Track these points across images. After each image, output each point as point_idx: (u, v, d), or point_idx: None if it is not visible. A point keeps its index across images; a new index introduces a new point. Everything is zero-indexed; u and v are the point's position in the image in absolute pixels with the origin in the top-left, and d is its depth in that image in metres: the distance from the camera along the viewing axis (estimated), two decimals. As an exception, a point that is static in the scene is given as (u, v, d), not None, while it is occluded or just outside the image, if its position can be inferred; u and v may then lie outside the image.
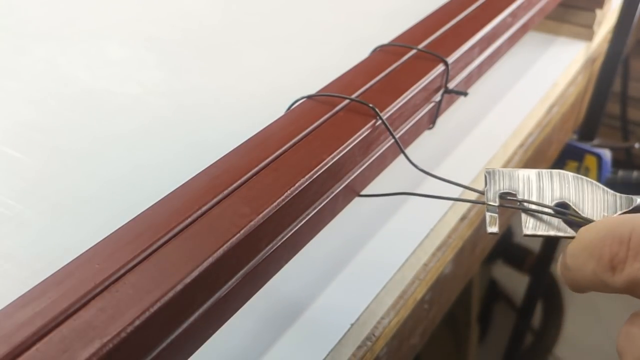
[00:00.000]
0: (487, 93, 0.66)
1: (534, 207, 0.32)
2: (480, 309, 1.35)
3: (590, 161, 0.97)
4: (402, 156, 0.45)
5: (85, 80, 0.61)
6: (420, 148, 0.54)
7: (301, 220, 0.34)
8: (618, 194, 0.31)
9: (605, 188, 0.31)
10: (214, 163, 0.35)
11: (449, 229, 0.51)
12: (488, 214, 0.33)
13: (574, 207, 0.32)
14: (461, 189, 0.51)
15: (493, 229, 0.33)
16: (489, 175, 0.34)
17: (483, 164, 0.56)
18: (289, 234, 0.34)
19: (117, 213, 0.34)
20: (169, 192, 0.33)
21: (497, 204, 0.33)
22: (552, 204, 0.32)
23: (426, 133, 0.48)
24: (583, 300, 1.49)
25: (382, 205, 0.50)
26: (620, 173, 0.98)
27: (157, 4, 0.76)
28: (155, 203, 0.32)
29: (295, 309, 0.41)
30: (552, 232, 0.32)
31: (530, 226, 0.32)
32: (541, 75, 0.71)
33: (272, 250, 0.33)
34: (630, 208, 0.30)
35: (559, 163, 0.96)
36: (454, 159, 0.56)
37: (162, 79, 0.62)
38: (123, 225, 0.30)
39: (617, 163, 1.01)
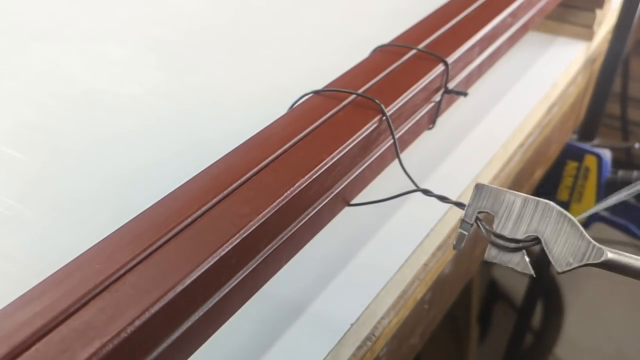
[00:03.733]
0: (487, 93, 0.66)
1: (500, 241, 0.33)
2: (480, 309, 1.35)
3: (590, 161, 0.97)
4: (402, 154, 0.45)
5: (85, 81, 0.61)
6: (421, 148, 0.54)
7: (301, 220, 0.34)
8: (592, 243, 0.31)
9: (584, 233, 0.31)
10: (214, 163, 0.35)
11: (449, 229, 0.51)
12: (459, 231, 0.34)
13: (544, 244, 0.32)
14: (458, 192, 0.51)
15: (459, 246, 0.34)
16: (476, 189, 0.34)
17: (483, 164, 0.56)
18: (289, 234, 0.34)
19: (117, 213, 0.34)
20: (169, 192, 0.33)
21: (471, 223, 0.34)
22: (524, 236, 0.32)
23: (426, 133, 0.48)
24: (583, 300, 1.49)
25: (382, 206, 0.50)
26: (620, 173, 0.98)
27: (157, 5, 0.76)
28: (155, 203, 0.32)
29: (295, 309, 0.41)
30: (510, 265, 0.33)
31: (492, 255, 0.33)
32: (541, 75, 0.71)
33: (272, 250, 0.33)
34: (598, 262, 0.30)
35: (559, 163, 0.96)
36: (454, 158, 0.56)
37: (162, 80, 0.62)
38: (123, 225, 0.30)
39: (617, 163, 1.01)
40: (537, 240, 0.32)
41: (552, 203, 0.32)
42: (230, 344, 0.38)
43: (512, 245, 0.32)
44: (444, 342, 1.05)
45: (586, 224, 1.02)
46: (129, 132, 0.54)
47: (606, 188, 0.98)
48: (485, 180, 0.57)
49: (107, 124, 0.55)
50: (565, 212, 0.32)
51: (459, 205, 0.35)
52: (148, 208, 0.32)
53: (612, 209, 1.02)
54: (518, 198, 0.33)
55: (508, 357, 1.29)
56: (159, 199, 0.32)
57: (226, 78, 0.62)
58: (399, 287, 0.45)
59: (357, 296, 0.42)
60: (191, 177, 0.34)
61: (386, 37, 0.49)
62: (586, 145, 0.97)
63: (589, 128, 0.98)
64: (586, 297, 1.50)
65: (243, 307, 0.33)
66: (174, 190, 0.33)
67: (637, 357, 1.40)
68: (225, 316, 0.31)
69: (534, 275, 0.33)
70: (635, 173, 0.97)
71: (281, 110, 0.41)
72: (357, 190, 0.40)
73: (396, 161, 0.44)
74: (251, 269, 0.31)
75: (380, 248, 0.46)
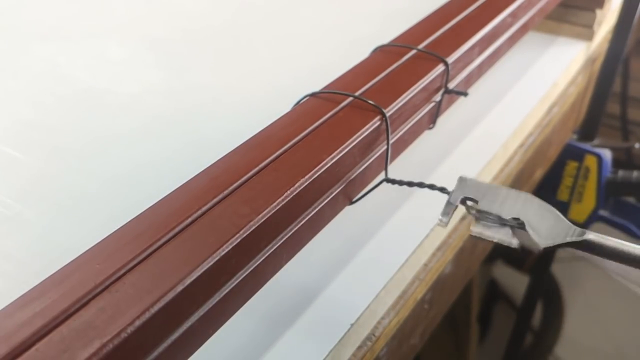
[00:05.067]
0: (487, 93, 0.66)
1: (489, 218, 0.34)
2: (480, 309, 1.35)
3: (590, 161, 0.97)
4: (403, 154, 0.45)
5: (85, 80, 0.61)
6: (421, 148, 0.54)
7: (301, 220, 0.34)
8: (574, 227, 0.33)
9: (567, 221, 0.33)
10: (214, 163, 0.35)
11: (449, 229, 0.51)
12: (446, 206, 0.36)
13: (528, 226, 0.33)
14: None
15: (444, 219, 0.36)
16: (460, 183, 0.36)
17: (483, 164, 0.56)
18: (289, 234, 0.34)
19: (117, 213, 0.34)
20: (169, 191, 0.33)
21: (457, 204, 0.35)
22: (508, 218, 0.34)
23: (426, 133, 0.48)
24: (583, 300, 1.50)
25: (382, 205, 0.50)
26: (620, 173, 0.98)
27: (157, 4, 0.76)
28: (155, 203, 0.32)
29: (295, 309, 0.41)
30: (495, 239, 0.34)
31: (477, 230, 0.35)
32: (541, 75, 0.71)
33: (272, 250, 0.32)
34: (579, 239, 0.32)
35: (559, 163, 0.96)
36: (454, 158, 0.56)
37: (162, 79, 0.62)
38: (123, 225, 0.30)
39: (617, 163, 1.01)
40: (520, 222, 0.33)
41: (531, 195, 0.34)
42: (230, 344, 0.38)
43: (497, 222, 0.34)
44: (444, 342, 1.05)
45: (586, 223, 1.02)
46: (129, 131, 0.54)
47: (606, 188, 0.98)
48: (485, 180, 0.57)
49: (106, 123, 0.55)
50: (546, 204, 0.33)
51: (430, 186, 0.37)
52: (148, 208, 0.32)
53: (612, 208, 1.02)
54: (500, 190, 0.35)
55: (508, 357, 1.29)
56: (158, 198, 0.32)
57: (225, 77, 0.62)
58: (399, 287, 0.45)
59: (357, 296, 0.42)
60: (191, 177, 0.34)
61: (385, 37, 0.49)
62: (586, 145, 0.97)
63: (589, 128, 0.98)
64: (586, 297, 1.50)
65: (243, 306, 0.33)
66: (174, 190, 0.33)
67: (637, 357, 1.41)
68: (225, 316, 0.31)
69: (517, 247, 0.34)
70: (635, 173, 0.97)
71: (281, 109, 0.41)
72: (358, 190, 0.40)
73: (397, 160, 0.44)
74: (251, 269, 0.31)
75: (380, 248, 0.46)
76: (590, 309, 1.49)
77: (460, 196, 0.35)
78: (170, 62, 0.65)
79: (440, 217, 0.36)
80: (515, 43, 0.60)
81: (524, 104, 0.66)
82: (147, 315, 0.25)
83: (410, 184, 0.39)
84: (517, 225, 0.34)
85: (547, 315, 1.41)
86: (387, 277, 0.44)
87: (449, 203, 0.36)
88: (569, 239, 0.32)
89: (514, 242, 0.34)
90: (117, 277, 0.27)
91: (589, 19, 0.77)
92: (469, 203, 0.35)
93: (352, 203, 0.40)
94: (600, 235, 0.32)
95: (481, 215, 0.34)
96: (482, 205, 0.35)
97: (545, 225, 0.33)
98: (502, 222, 0.34)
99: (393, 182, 0.40)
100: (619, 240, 0.32)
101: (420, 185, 0.38)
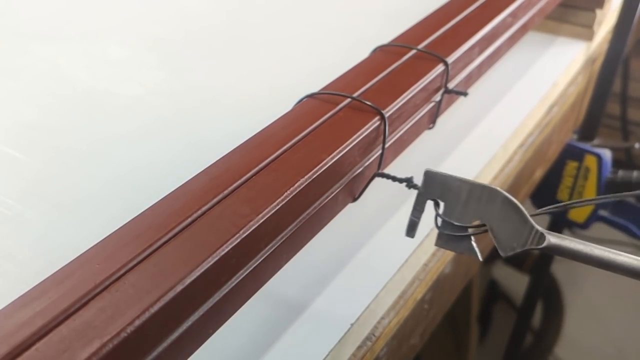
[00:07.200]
0: (487, 93, 0.66)
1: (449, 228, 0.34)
2: (480, 309, 1.35)
3: (590, 161, 0.97)
4: (404, 152, 0.45)
5: (86, 81, 0.61)
6: (421, 148, 0.54)
7: (301, 221, 0.34)
8: (535, 228, 0.31)
9: (528, 218, 0.32)
10: (213, 163, 0.35)
11: (448, 229, 0.51)
12: (410, 217, 0.36)
13: (490, 229, 0.33)
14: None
15: (410, 234, 0.36)
16: (425, 176, 0.35)
17: (483, 164, 0.56)
18: (289, 234, 0.34)
19: (117, 213, 0.34)
20: (169, 192, 0.33)
21: (422, 210, 0.36)
22: (471, 222, 0.33)
23: (426, 133, 0.48)
24: (583, 300, 1.50)
25: (382, 205, 0.50)
26: (620, 173, 0.98)
27: (158, 5, 0.76)
28: (155, 203, 0.32)
29: (295, 309, 0.41)
30: (459, 251, 0.34)
31: (441, 242, 0.35)
32: (541, 75, 0.71)
33: (272, 250, 0.33)
34: (540, 247, 0.31)
35: (559, 163, 0.96)
36: (454, 159, 0.56)
37: (162, 80, 0.62)
38: (123, 225, 0.30)
39: (617, 163, 1.01)
40: (483, 226, 0.33)
41: (498, 189, 0.33)
42: (230, 344, 0.38)
43: (459, 232, 0.34)
44: (444, 342, 1.05)
45: (586, 224, 1.02)
46: (129, 132, 0.54)
47: (606, 188, 0.98)
48: (485, 180, 0.57)
49: (107, 124, 0.55)
50: (511, 197, 0.32)
51: (408, 182, 0.37)
52: (148, 208, 0.32)
53: (612, 209, 1.02)
54: (465, 184, 0.34)
55: (508, 357, 1.29)
56: (159, 198, 0.32)
57: (226, 78, 0.62)
58: (399, 287, 0.45)
59: (357, 296, 0.42)
60: (191, 177, 0.34)
61: (386, 37, 0.49)
62: (586, 145, 0.97)
63: (589, 128, 0.98)
64: (586, 297, 1.50)
65: (243, 306, 0.33)
66: (174, 190, 0.33)
67: (637, 357, 1.41)
68: (225, 316, 0.31)
69: (480, 259, 0.34)
70: (635, 173, 0.97)
71: (281, 110, 0.41)
72: (357, 190, 0.40)
73: (398, 159, 0.44)
74: (251, 269, 0.31)
75: (381, 248, 0.46)
76: (590, 309, 1.49)
77: (427, 197, 0.35)
78: (171, 62, 0.65)
79: (406, 231, 0.36)
80: (515, 43, 0.60)
81: (524, 104, 0.66)
82: (147, 315, 0.25)
83: (394, 179, 0.39)
84: (480, 232, 0.33)
85: (547, 315, 1.41)
86: (387, 277, 0.44)
87: (414, 209, 0.36)
88: (529, 246, 0.31)
89: (477, 255, 0.34)
90: (117, 277, 0.27)
91: (589, 19, 0.77)
92: (438, 212, 0.35)
93: (354, 200, 0.40)
94: (562, 236, 0.31)
95: (444, 225, 0.34)
96: (446, 209, 0.34)
97: (507, 227, 0.32)
98: (464, 231, 0.34)
99: (382, 175, 0.41)
100: (581, 241, 0.31)
101: (399, 180, 0.39)
